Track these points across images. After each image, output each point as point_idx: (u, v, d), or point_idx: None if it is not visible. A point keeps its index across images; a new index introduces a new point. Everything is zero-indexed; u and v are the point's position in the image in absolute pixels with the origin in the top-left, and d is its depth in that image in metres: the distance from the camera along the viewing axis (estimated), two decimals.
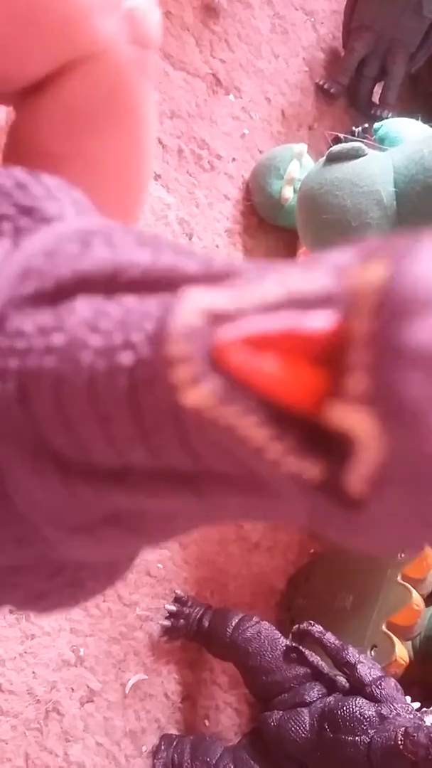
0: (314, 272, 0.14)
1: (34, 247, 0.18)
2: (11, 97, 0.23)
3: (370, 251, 0.14)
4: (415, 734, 0.58)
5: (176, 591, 0.78)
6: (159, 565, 0.78)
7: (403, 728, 0.59)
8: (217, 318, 0.14)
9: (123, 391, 0.15)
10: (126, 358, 0.15)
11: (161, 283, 0.16)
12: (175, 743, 0.74)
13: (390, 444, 0.13)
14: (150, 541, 0.19)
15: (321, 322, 0.14)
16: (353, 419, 0.13)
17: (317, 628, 0.70)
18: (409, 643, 0.74)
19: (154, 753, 0.74)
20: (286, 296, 0.14)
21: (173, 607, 0.77)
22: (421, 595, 0.74)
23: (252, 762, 0.69)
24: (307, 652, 0.70)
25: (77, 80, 0.22)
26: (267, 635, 0.72)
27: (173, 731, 0.77)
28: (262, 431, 0.14)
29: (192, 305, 0.15)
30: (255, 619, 0.74)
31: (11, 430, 0.17)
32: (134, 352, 0.15)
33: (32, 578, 0.20)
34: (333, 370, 0.13)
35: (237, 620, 0.74)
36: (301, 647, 0.70)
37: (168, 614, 0.77)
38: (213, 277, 0.16)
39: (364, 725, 0.62)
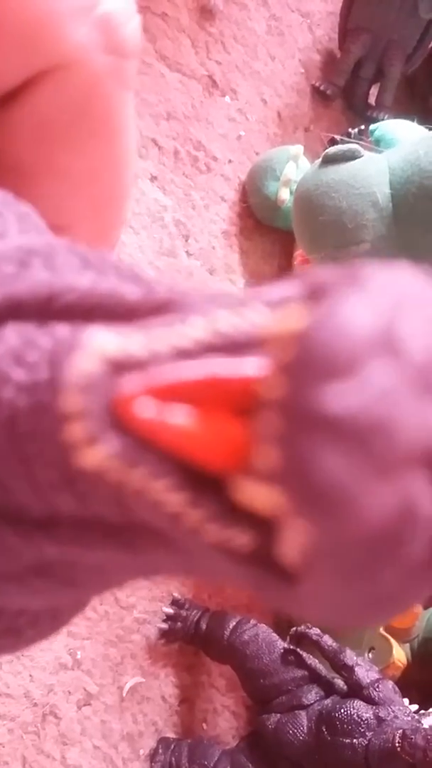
0: (248, 310, 0.12)
1: None
2: None
3: (309, 287, 0.12)
4: (412, 736, 0.58)
5: (173, 594, 0.78)
6: None
7: (401, 730, 0.59)
8: (123, 364, 0.12)
9: (46, 432, 0.13)
10: (47, 399, 0.13)
11: (99, 310, 0.14)
12: (172, 746, 0.73)
13: (309, 527, 0.11)
14: (86, 592, 0.17)
15: (245, 370, 0.12)
16: (262, 498, 0.11)
17: (315, 631, 0.70)
18: (407, 645, 0.74)
19: (152, 756, 0.74)
20: (210, 337, 0.12)
21: (170, 610, 0.76)
22: None
23: (250, 765, 0.69)
24: (304, 654, 0.70)
25: (47, 91, 0.21)
26: (264, 638, 0.72)
27: (171, 734, 0.77)
28: (175, 496, 0.12)
29: (94, 349, 0.13)
30: (252, 621, 0.74)
31: None
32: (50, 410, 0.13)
33: None
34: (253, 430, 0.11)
35: (234, 623, 0.73)
36: (298, 650, 0.70)
37: (165, 617, 0.76)
38: (151, 306, 0.14)
39: (362, 728, 0.62)
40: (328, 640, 0.69)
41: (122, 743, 0.74)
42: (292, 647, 0.70)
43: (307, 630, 0.70)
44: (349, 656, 0.67)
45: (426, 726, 0.60)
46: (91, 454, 0.12)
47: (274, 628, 0.75)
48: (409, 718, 0.62)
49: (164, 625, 0.76)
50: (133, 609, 0.76)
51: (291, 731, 0.66)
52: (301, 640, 0.71)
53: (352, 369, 0.11)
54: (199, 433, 0.12)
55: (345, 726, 0.63)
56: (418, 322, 0.11)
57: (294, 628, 0.71)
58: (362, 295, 0.11)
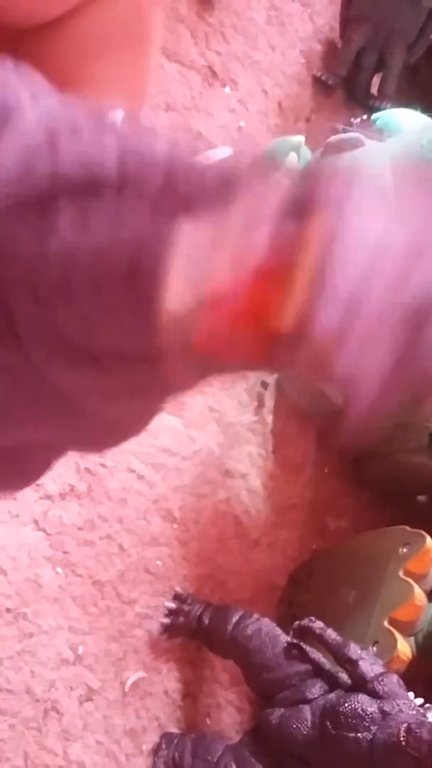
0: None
1: (7, 153, 0.18)
2: (23, 33, 0.26)
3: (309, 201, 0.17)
4: (417, 730, 0.57)
5: (176, 588, 0.78)
6: (158, 562, 0.78)
7: (406, 724, 0.58)
8: (208, 264, 0.17)
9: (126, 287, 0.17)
10: (123, 256, 0.17)
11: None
12: (176, 742, 0.73)
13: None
14: (95, 422, 0.22)
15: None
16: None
17: (318, 625, 0.69)
18: (412, 638, 0.73)
19: (155, 751, 0.73)
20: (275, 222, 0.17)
21: (173, 605, 0.76)
22: (424, 591, 0.73)
23: (254, 760, 0.68)
24: (308, 648, 0.69)
25: (96, 13, 0.26)
26: (267, 632, 0.71)
27: (174, 729, 0.76)
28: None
29: (180, 263, 0.17)
30: (255, 616, 0.73)
31: (40, 338, 0.19)
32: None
33: None
34: None
35: (237, 617, 0.73)
36: (302, 644, 0.69)
37: (167, 612, 0.76)
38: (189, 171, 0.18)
39: (366, 722, 0.61)
40: (331, 634, 0.68)
41: (125, 738, 0.73)
42: (295, 641, 0.70)
43: (310, 624, 0.69)
44: (353, 650, 0.66)
45: (431, 720, 0.59)
46: (195, 321, 0.18)
47: (278, 622, 0.74)
48: (414, 712, 0.61)
49: (166, 620, 0.75)
50: (135, 604, 0.75)
51: (295, 725, 0.65)
52: (305, 633, 0.70)
53: None
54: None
55: (349, 720, 0.62)
56: None
57: (297, 622, 0.71)
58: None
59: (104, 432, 0.24)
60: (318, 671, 0.68)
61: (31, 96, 0.20)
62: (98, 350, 0.19)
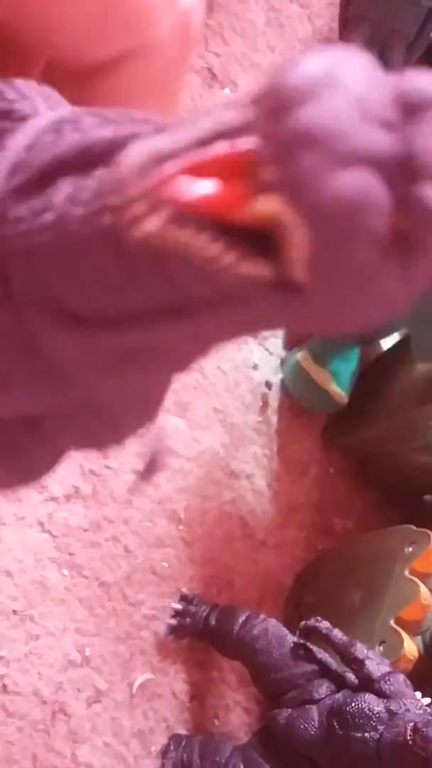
0: (237, 106, 0.18)
1: (16, 145, 0.21)
2: (69, 76, 0.28)
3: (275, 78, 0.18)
4: (424, 729, 0.57)
5: (182, 589, 0.78)
6: (164, 563, 0.78)
7: (413, 723, 0.58)
8: (160, 157, 0.18)
9: (109, 246, 0.18)
10: (106, 219, 0.18)
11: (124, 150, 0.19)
12: (184, 743, 0.73)
13: (306, 222, 0.17)
14: (168, 370, 0.23)
15: (242, 144, 0.17)
16: (271, 206, 0.17)
17: (324, 625, 0.69)
18: (419, 638, 0.73)
19: (163, 753, 0.73)
20: (214, 130, 0.18)
21: (179, 606, 0.76)
22: (430, 590, 0.73)
23: (262, 761, 0.68)
24: (315, 648, 0.69)
25: (132, 66, 0.28)
26: (274, 632, 0.71)
27: (182, 731, 0.76)
28: (215, 245, 0.18)
29: (134, 152, 0.18)
30: (262, 616, 0.73)
31: (32, 298, 0.20)
32: (111, 212, 0.18)
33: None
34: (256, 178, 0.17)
35: (244, 618, 0.73)
36: (308, 644, 0.69)
37: (174, 613, 0.76)
38: (163, 131, 0.19)
39: (374, 721, 0.61)
40: (338, 634, 0.68)
41: (133, 740, 0.73)
42: (302, 641, 0.70)
43: (316, 624, 0.69)
44: (360, 649, 0.66)
45: None
46: (150, 222, 0.18)
47: (285, 622, 0.74)
48: (421, 711, 0.61)
49: (173, 621, 0.76)
50: (142, 605, 0.76)
51: (302, 726, 0.65)
52: (311, 634, 0.70)
53: (310, 98, 0.17)
54: (218, 192, 0.17)
55: (356, 720, 0.62)
56: (354, 70, 0.19)
57: (303, 622, 0.71)
58: (310, 59, 0.18)
59: (102, 420, 0.24)
60: (325, 671, 0.68)
61: (48, 107, 0.23)
62: (87, 310, 0.20)
